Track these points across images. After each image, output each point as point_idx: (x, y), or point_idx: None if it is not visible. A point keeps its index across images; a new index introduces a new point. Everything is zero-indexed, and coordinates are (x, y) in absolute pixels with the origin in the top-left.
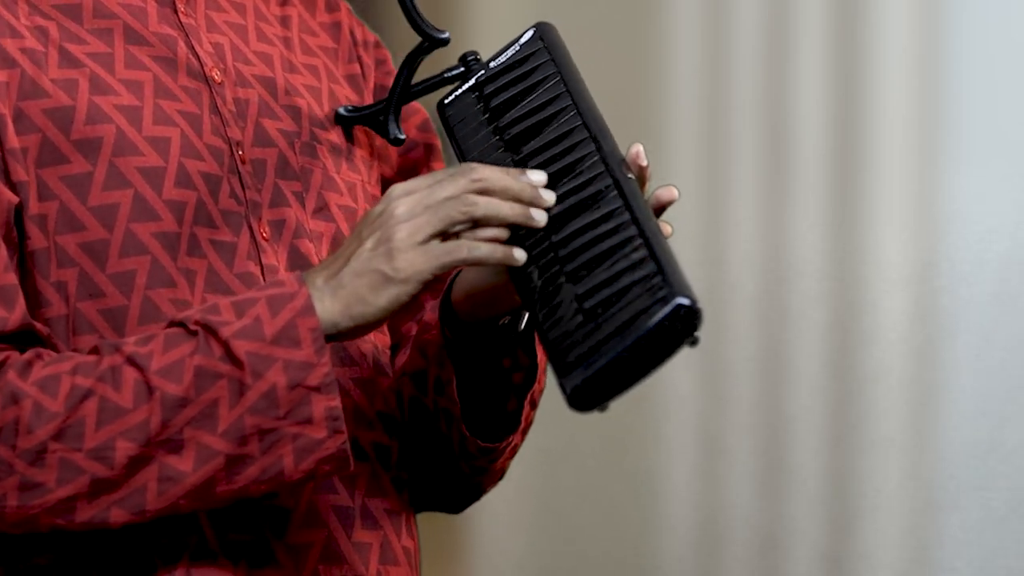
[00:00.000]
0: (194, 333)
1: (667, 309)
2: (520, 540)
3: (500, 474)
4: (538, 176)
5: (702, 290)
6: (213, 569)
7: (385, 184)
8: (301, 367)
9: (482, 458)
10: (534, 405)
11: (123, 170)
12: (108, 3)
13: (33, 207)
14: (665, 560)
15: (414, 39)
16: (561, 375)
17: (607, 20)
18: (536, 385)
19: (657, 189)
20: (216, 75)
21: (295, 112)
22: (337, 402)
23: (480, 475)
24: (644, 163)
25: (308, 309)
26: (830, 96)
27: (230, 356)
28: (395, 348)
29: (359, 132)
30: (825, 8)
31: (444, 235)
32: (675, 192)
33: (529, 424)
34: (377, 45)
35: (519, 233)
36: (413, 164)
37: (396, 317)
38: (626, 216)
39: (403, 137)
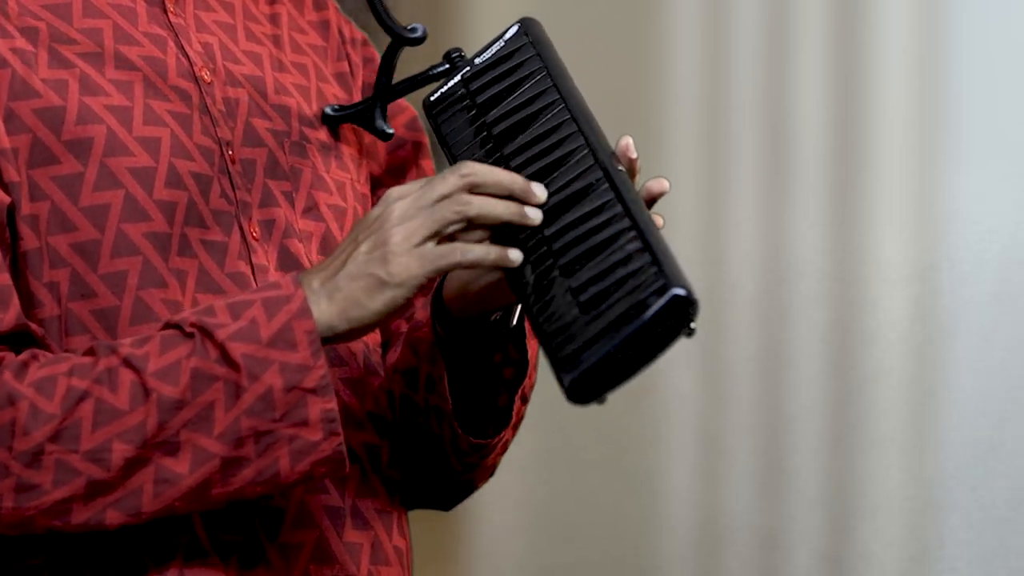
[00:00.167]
0: (190, 335)
1: (663, 300)
2: (520, 540)
3: (491, 470)
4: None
5: (702, 290)
6: (205, 569)
7: (374, 183)
8: (297, 370)
9: (474, 455)
10: (525, 400)
11: (114, 170)
12: (98, 3)
13: (25, 208)
14: (665, 560)
15: None
16: (559, 369)
17: (607, 20)
18: (527, 380)
19: (648, 181)
20: (206, 75)
21: (284, 111)
22: (333, 404)
23: (471, 472)
24: (634, 155)
25: (304, 312)
26: (830, 96)
27: (226, 358)
28: (385, 345)
29: (348, 130)
30: (825, 8)
31: (439, 236)
32: (666, 184)
33: (520, 419)
34: (365, 43)
35: (512, 228)
36: (402, 162)
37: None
38: (618, 208)
39: (391, 131)
